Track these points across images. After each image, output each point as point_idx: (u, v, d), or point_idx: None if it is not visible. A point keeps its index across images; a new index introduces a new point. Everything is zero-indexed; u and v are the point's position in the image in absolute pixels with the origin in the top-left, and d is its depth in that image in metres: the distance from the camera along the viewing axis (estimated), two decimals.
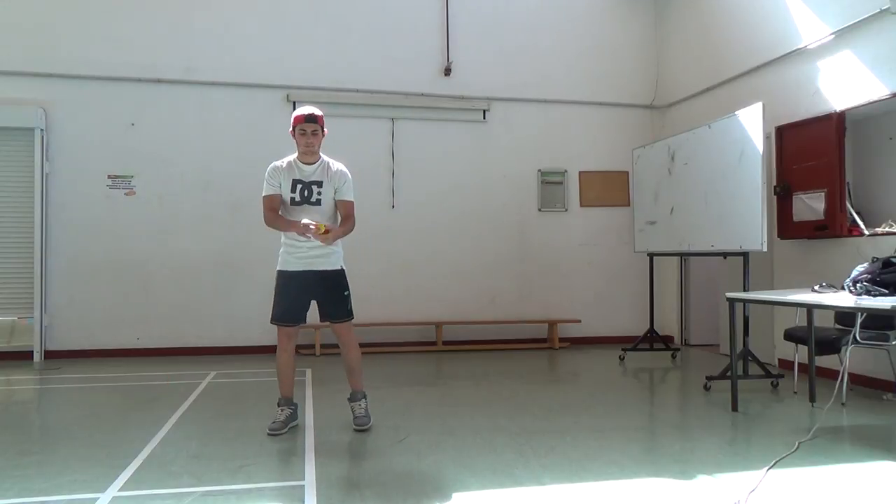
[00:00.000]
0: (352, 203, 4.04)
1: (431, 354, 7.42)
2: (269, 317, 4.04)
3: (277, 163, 4.00)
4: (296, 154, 4.00)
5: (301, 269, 3.96)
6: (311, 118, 3.90)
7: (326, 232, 3.74)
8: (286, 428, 4.03)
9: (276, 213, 3.97)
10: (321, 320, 4.13)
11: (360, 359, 4.18)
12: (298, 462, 3.47)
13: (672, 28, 8.29)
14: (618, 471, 3.33)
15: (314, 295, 4.02)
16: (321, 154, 4.03)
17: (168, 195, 7.34)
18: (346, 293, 4.06)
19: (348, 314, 4.08)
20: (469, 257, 7.98)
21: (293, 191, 3.94)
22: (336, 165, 4.03)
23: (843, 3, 5.58)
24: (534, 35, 8.21)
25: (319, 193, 3.95)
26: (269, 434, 3.94)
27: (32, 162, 6.89)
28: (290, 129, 3.95)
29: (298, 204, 3.94)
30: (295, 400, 4.20)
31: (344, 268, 4.10)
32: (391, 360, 6.92)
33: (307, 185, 3.95)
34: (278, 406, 4.09)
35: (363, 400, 4.15)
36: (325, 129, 3.98)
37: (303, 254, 3.94)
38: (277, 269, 4.03)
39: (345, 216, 4.04)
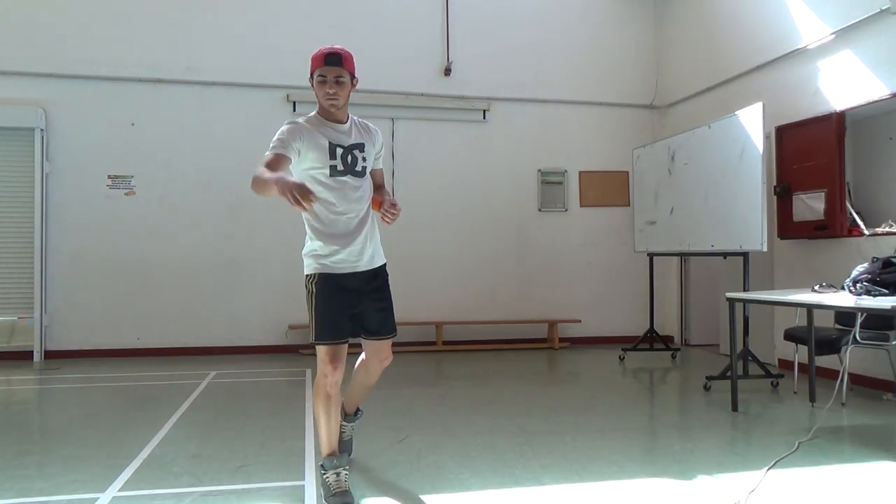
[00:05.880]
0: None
1: (431, 354, 7.42)
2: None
3: (299, 120, 2.91)
4: (314, 112, 2.96)
5: (361, 269, 2.97)
6: (332, 57, 2.83)
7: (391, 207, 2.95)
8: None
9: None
10: (362, 335, 3.11)
11: None
12: (298, 462, 3.47)
13: (672, 28, 8.29)
14: (618, 471, 3.33)
15: (358, 302, 2.99)
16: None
17: (168, 195, 7.34)
18: (391, 298, 3.14)
19: (395, 327, 3.15)
20: (469, 257, 7.98)
21: (333, 156, 2.85)
22: (365, 121, 3.09)
23: (843, 3, 5.58)
24: (534, 35, 8.21)
25: (364, 160, 2.95)
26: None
27: (32, 162, 6.90)
28: (309, 76, 2.92)
29: (341, 175, 2.87)
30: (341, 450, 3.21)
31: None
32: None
33: (348, 150, 2.90)
34: (323, 470, 2.92)
35: (358, 417, 3.43)
36: (357, 78, 2.96)
37: (356, 251, 2.94)
38: (310, 272, 2.93)
39: (378, 185, 3.11)
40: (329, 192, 2.86)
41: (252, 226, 7.44)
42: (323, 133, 2.88)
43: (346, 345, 2.93)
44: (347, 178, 2.89)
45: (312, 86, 2.91)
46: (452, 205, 7.96)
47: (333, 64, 2.83)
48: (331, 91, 2.84)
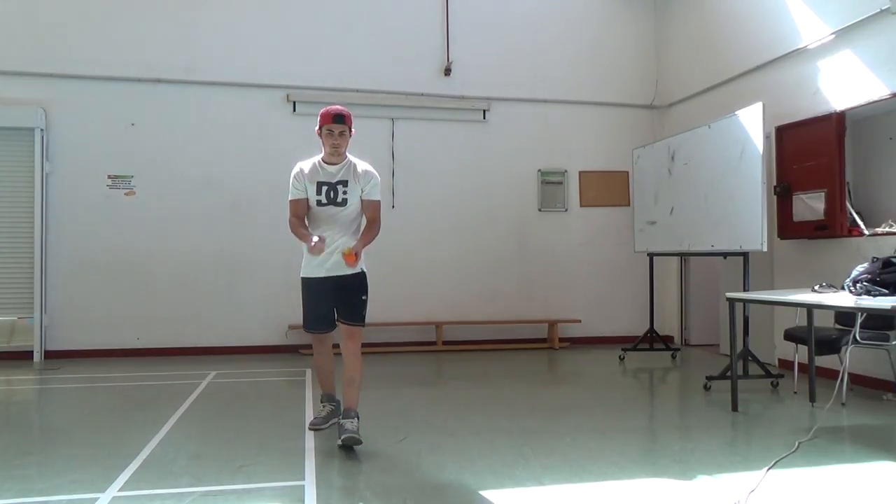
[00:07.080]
0: (378, 203, 3.92)
1: (431, 354, 7.42)
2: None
3: (302, 164, 3.88)
4: (321, 154, 3.87)
5: (321, 275, 3.85)
6: (339, 117, 3.74)
7: (352, 255, 3.66)
8: (327, 424, 4.10)
9: (301, 220, 3.87)
10: (337, 320, 3.97)
11: (362, 372, 3.89)
12: (298, 462, 3.47)
13: (672, 28, 8.29)
14: (618, 471, 3.33)
15: (334, 299, 3.90)
16: (347, 154, 3.88)
17: (168, 195, 7.34)
18: (363, 297, 3.90)
19: (360, 320, 3.89)
20: (469, 257, 7.98)
21: (318, 193, 3.80)
22: (362, 165, 3.89)
23: (843, 3, 5.58)
24: (534, 35, 8.21)
25: (345, 193, 3.81)
26: (310, 429, 4.06)
27: (32, 162, 6.90)
28: (317, 127, 3.80)
29: (324, 206, 3.81)
30: (337, 397, 4.18)
31: (365, 270, 3.93)
32: (391, 360, 6.92)
33: (332, 186, 3.81)
34: (321, 402, 4.25)
35: (356, 419, 3.76)
36: (353, 129, 3.86)
37: (322, 260, 3.80)
38: (300, 275, 3.94)
39: (370, 219, 3.91)
40: (316, 216, 3.87)
41: (252, 226, 7.44)
42: (314, 175, 3.84)
43: (326, 332, 4.02)
44: (328, 208, 3.83)
45: (319, 134, 3.80)
46: (452, 205, 7.96)
47: (339, 122, 3.74)
48: (335, 142, 3.76)
